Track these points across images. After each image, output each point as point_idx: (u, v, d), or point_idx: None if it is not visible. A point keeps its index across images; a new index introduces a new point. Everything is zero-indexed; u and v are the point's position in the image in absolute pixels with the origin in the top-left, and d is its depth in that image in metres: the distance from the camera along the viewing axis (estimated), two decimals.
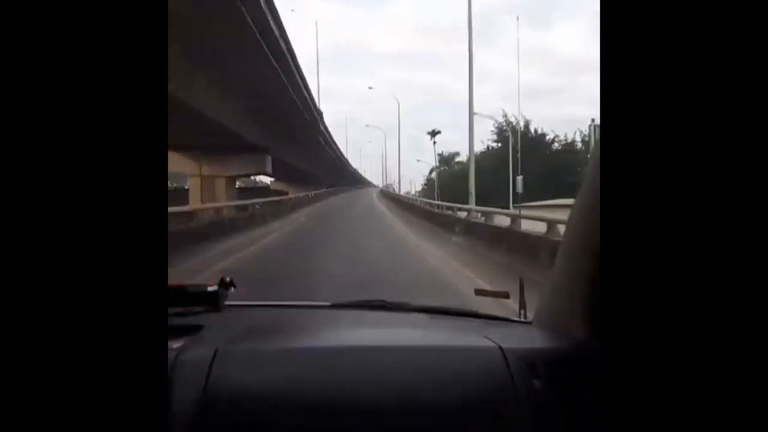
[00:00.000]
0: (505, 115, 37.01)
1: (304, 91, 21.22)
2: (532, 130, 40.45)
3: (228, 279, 1.32)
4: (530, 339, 1.13)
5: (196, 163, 23.31)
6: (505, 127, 35.60)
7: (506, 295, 1.44)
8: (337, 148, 47.35)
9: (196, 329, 1.10)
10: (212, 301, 1.27)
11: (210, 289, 1.29)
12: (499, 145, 39.57)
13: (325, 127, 33.55)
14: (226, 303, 1.32)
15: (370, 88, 45.16)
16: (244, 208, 21.17)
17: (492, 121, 37.89)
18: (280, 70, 15.66)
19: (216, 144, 20.28)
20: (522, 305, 1.40)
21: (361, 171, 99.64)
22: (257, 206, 22.31)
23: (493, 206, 16.49)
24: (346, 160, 65.56)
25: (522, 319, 1.36)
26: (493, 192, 30.32)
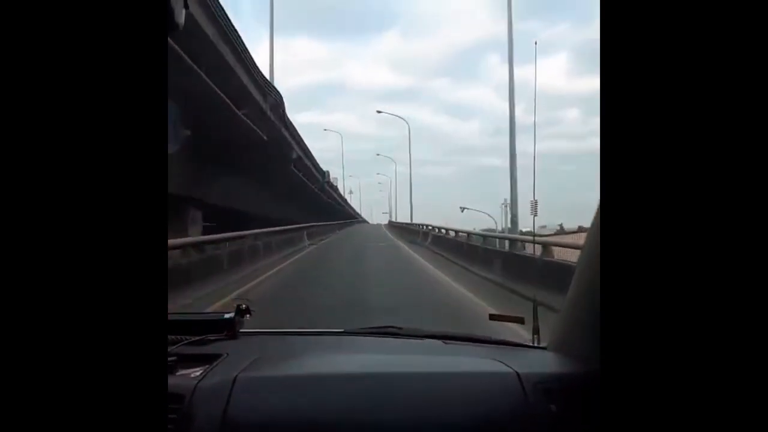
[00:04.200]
0: None
1: None
2: None
3: (243, 306, 1.34)
4: (546, 364, 1.13)
5: None
6: None
7: (521, 321, 1.44)
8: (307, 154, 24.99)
9: (214, 357, 1.11)
10: (229, 329, 1.29)
11: (226, 316, 1.31)
12: None
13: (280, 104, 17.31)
14: (242, 330, 1.33)
15: (378, 111, 41.70)
16: None
17: None
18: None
19: None
20: (535, 330, 1.40)
21: (348, 200, 63.45)
22: None
23: None
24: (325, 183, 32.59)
25: (535, 345, 1.36)
26: None
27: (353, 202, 72.65)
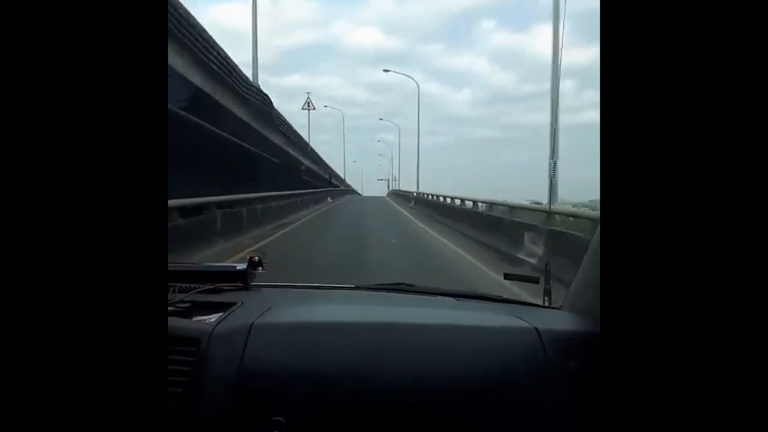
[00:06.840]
0: None
1: None
2: None
3: (256, 258, 1.33)
4: (562, 322, 1.12)
5: None
6: None
7: (536, 281, 1.43)
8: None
9: (228, 305, 1.11)
10: (241, 280, 1.28)
11: (239, 267, 1.30)
12: None
13: None
14: (253, 284, 1.32)
15: (385, 70, 34.99)
16: None
17: None
18: None
19: None
20: (547, 292, 1.39)
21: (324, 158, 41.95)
22: None
23: None
24: None
25: (548, 305, 1.35)
26: None
27: (329, 158, 49.80)
